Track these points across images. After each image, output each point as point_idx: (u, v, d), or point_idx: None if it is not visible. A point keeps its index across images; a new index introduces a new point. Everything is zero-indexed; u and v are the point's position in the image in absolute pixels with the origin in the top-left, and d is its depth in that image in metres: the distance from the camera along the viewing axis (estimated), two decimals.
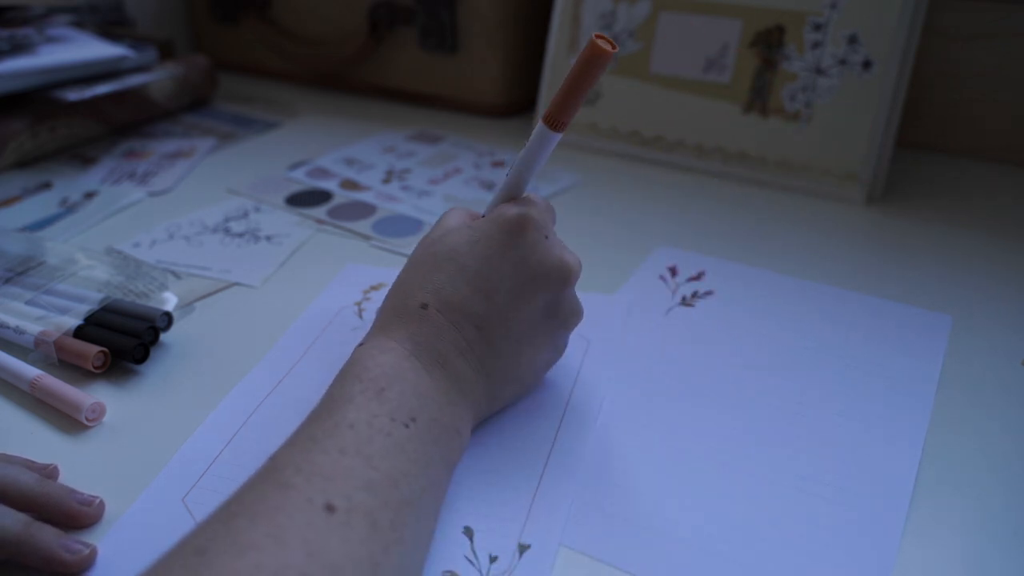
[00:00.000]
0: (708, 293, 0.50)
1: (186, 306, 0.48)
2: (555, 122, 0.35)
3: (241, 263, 0.54)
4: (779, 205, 0.62)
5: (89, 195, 0.63)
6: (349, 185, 0.65)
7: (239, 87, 0.90)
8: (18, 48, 0.68)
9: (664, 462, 0.37)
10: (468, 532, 0.33)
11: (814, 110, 0.63)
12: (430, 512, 0.31)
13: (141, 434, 0.39)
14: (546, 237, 0.37)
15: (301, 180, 0.66)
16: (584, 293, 0.42)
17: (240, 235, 0.58)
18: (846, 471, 0.36)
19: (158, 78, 0.77)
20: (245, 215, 0.61)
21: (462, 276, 0.35)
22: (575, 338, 0.44)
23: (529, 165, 0.37)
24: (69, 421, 0.40)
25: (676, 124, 0.68)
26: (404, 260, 0.54)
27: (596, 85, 0.69)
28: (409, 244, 0.56)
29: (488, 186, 0.65)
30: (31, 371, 0.41)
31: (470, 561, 0.32)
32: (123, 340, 0.43)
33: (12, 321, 0.45)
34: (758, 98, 0.65)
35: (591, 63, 0.33)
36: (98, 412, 0.40)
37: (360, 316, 0.48)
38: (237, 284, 0.52)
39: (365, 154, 0.71)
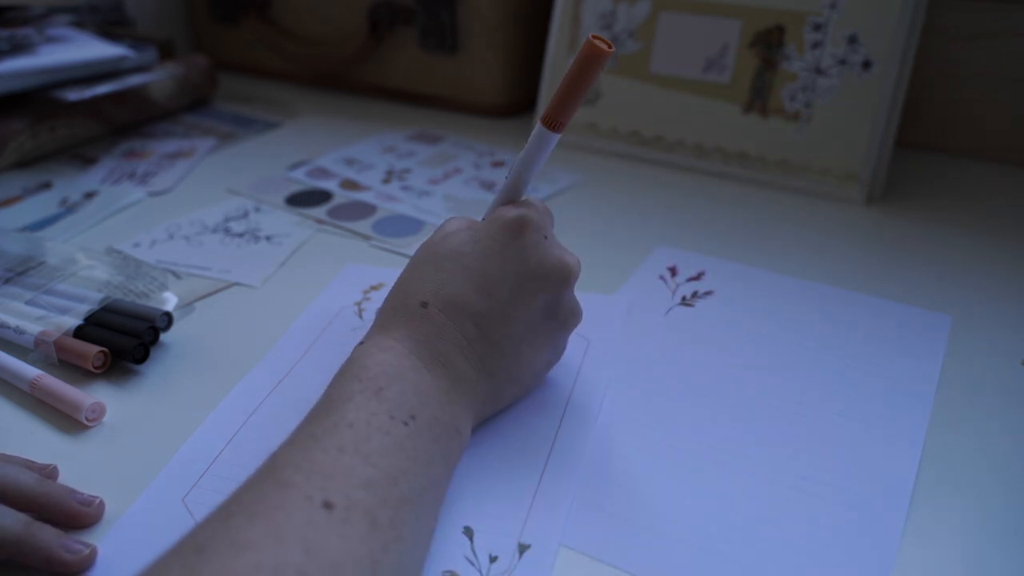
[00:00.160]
0: (708, 293, 0.50)
1: (186, 306, 0.48)
2: (553, 123, 0.35)
3: (241, 263, 0.54)
4: (779, 205, 0.62)
5: (89, 195, 0.63)
6: (349, 185, 0.65)
7: (239, 87, 0.90)
8: (18, 48, 0.68)
9: (664, 462, 0.37)
10: (468, 532, 0.33)
11: (814, 110, 0.63)
12: (430, 511, 0.31)
13: (141, 434, 0.39)
14: (545, 238, 0.37)
15: (301, 180, 0.66)
16: (584, 293, 0.42)
17: (240, 235, 0.58)
18: (846, 471, 0.36)
19: (158, 78, 0.77)
20: (245, 215, 0.61)
21: (463, 276, 0.36)
22: (575, 338, 0.44)
23: (528, 166, 0.37)
24: (69, 421, 0.40)
25: (676, 124, 0.68)
26: (404, 260, 0.54)
27: (596, 85, 0.69)
28: (409, 244, 0.56)
29: (488, 186, 0.65)
30: (31, 371, 0.41)
31: (470, 561, 0.32)
32: (123, 340, 0.43)
33: (12, 321, 0.45)
34: (758, 98, 0.65)
35: (588, 63, 0.33)
36: (98, 412, 0.40)
37: (360, 316, 0.48)
38: (237, 284, 0.52)
39: (365, 154, 0.71)
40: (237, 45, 0.92)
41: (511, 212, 0.36)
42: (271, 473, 0.28)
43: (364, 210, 0.61)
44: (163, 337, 0.45)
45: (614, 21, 0.70)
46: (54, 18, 0.75)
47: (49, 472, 0.36)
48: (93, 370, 0.42)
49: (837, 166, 0.62)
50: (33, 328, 0.44)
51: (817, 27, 0.62)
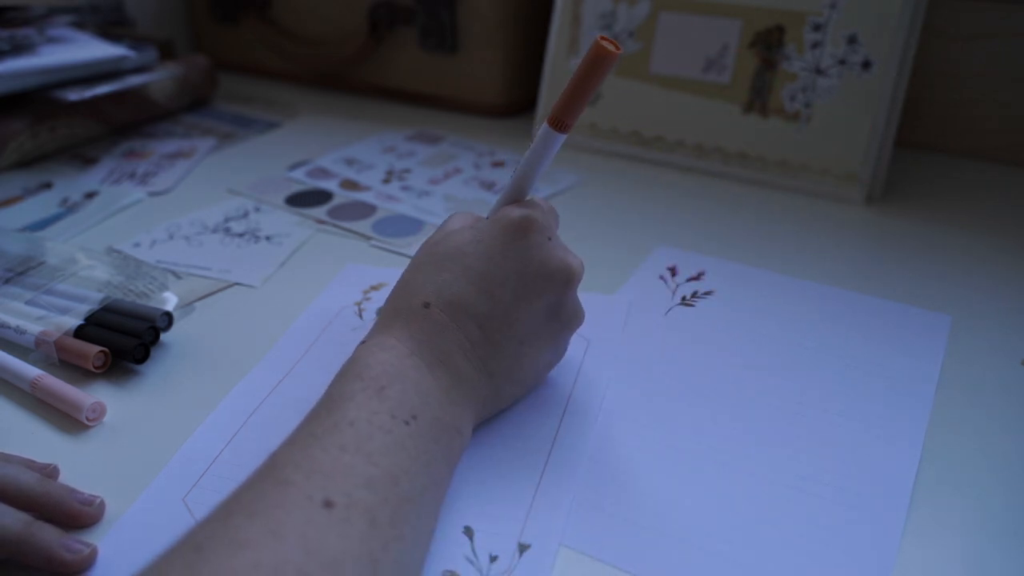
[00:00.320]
0: (708, 293, 0.50)
1: (186, 306, 0.48)
2: (559, 123, 0.35)
3: (241, 263, 0.54)
4: (779, 205, 0.62)
5: (89, 195, 0.63)
6: (349, 185, 0.65)
7: (239, 87, 0.90)
8: (18, 48, 0.68)
9: (664, 462, 0.37)
10: (468, 532, 0.33)
11: (814, 110, 0.63)
12: (431, 510, 0.31)
13: (141, 434, 0.39)
14: (549, 239, 0.37)
15: (301, 180, 0.66)
16: (584, 293, 0.42)
17: (240, 235, 0.58)
18: (846, 471, 0.36)
19: (158, 78, 0.77)
20: (245, 215, 0.61)
21: (466, 276, 0.36)
22: (575, 338, 0.44)
23: (534, 167, 0.37)
24: (70, 421, 0.40)
25: (676, 124, 0.68)
26: (404, 260, 0.54)
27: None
28: (409, 244, 0.56)
29: (488, 186, 0.65)
30: (32, 371, 0.41)
31: (470, 561, 0.32)
32: (123, 340, 0.43)
33: (13, 321, 0.45)
34: (758, 98, 0.65)
35: (596, 65, 0.34)
36: (98, 412, 0.40)
37: (360, 316, 0.48)
38: (237, 284, 0.52)
39: (365, 154, 0.71)
40: (237, 45, 0.92)
41: (515, 212, 0.36)
42: (271, 472, 0.28)
43: (364, 210, 0.61)
44: (163, 337, 0.45)
45: (614, 21, 0.70)
46: (54, 18, 0.75)
47: (50, 472, 0.36)
48: (93, 370, 0.42)
49: (837, 166, 0.62)
50: (34, 328, 0.44)
51: (817, 27, 0.62)
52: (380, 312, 0.37)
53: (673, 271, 0.52)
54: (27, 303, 0.47)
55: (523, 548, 0.32)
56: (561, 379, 0.42)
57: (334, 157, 0.71)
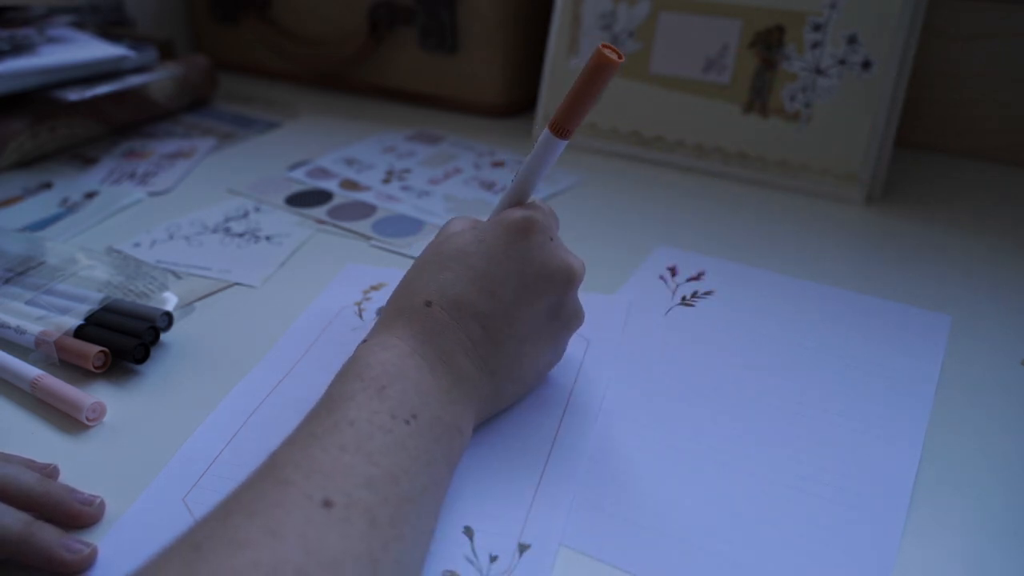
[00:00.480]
0: (708, 293, 0.50)
1: (186, 306, 0.48)
2: (561, 130, 0.35)
3: (241, 263, 0.54)
4: (779, 205, 0.62)
5: (89, 195, 0.63)
6: (349, 185, 0.65)
7: (239, 87, 0.90)
8: (18, 48, 0.68)
9: (664, 462, 0.37)
10: (468, 532, 0.33)
11: (814, 110, 0.63)
12: (431, 510, 0.31)
13: (141, 434, 0.39)
14: (551, 239, 0.37)
15: (301, 180, 0.66)
16: (584, 293, 0.42)
17: (240, 235, 0.58)
18: (846, 471, 0.36)
19: (158, 78, 0.77)
20: (245, 215, 0.61)
21: (467, 275, 0.36)
22: (575, 338, 0.44)
23: (535, 171, 0.37)
24: (70, 421, 0.40)
25: (676, 124, 0.68)
26: (404, 260, 0.54)
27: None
28: (409, 244, 0.56)
29: (488, 186, 0.65)
30: (32, 371, 0.41)
31: (470, 561, 0.32)
32: (123, 340, 0.43)
33: (13, 321, 0.45)
34: (758, 98, 0.65)
35: (597, 73, 0.34)
36: (98, 412, 0.40)
37: (360, 316, 0.48)
38: (237, 284, 0.52)
39: (365, 154, 0.71)
40: (237, 45, 0.92)
41: (517, 213, 0.37)
42: (271, 472, 0.28)
43: (364, 210, 0.61)
44: (163, 337, 0.45)
45: (614, 21, 0.70)
46: (54, 18, 0.75)
47: (50, 472, 0.36)
48: (93, 370, 0.42)
49: (837, 166, 0.62)
50: (34, 328, 0.44)
51: (817, 27, 0.62)
52: (381, 311, 0.37)
53: (673, 271, 0.52)
54: (27, 303, 0.47)
55: (523, 548, 0.32)
56: (561, 379, 0.42)
57: (334, 157, 0.71)
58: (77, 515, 0.33)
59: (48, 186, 0.65)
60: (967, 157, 0.70)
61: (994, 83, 0.68)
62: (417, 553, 0.29)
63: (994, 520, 0.34)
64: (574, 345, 0.43)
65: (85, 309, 0.45)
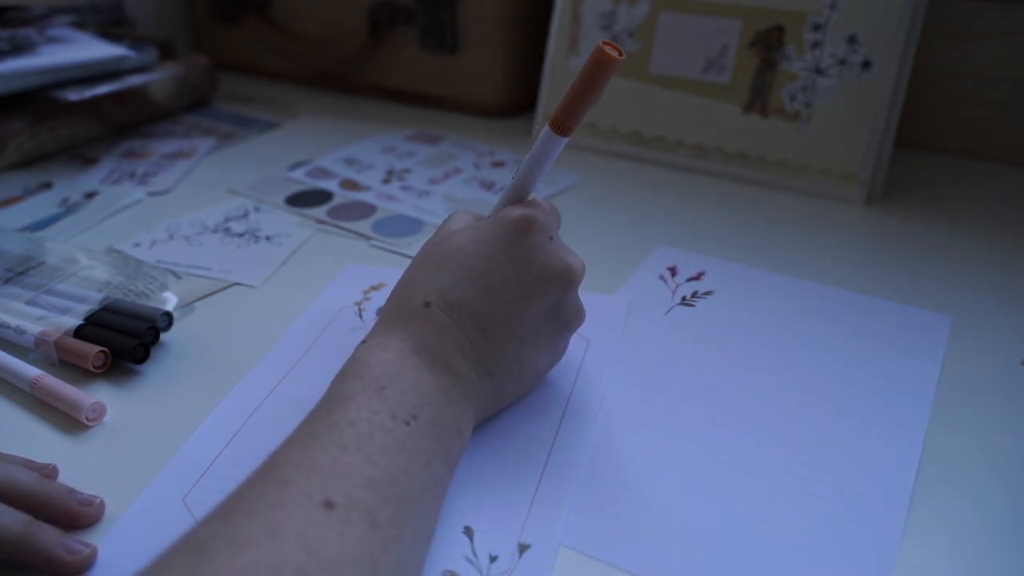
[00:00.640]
0: (708, 293, 0.50)
1: (186, 306, 0.48)
2: (561, 127, 0.35)
3: (241, 263, 0.54)
4: (779, 205, 0.62)
5: (89, 195, 0.63)
6: (349, 185, 0.65)
7: (239, 87, 0.90)
8: (18, 48, 0.68)
9: (664, 462, 0.37)
10: (468, 532, 0.33)
11: (814, 110, 0.63)
12: (430, 510, 0.31)
13: (141, 434, 0.39)
14: (550, 239, 0.37)
15: (301, 180, 0.66)
16: (584, 293, 0.42)
17: (240, 235, 0.58)
18: (846, 471, 0.36)
19: (158, 78, 0.77)
20: (245, 215, 0.61)
21: (466, 275, 0.36)
22: (575, 338, 0.44)
23: (535, 169, 0.37)
24: (69, 421, 0.40)
25: (676, 124, 0.68)
26: (404, 260, 0.54)
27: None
28: (409, 244, 0.56)
29: (488, 186, 0.65)
30: (32, 371, 0.41)
31: (470, 561, 0.32)
32: (123, 340, 0.43)
33: (12, 321, 0.45)
34: (758, 98, 0.65)
35: (598, 70, 0.34)
36: (98, 412, 0.40)
37: (360, 316, 0.48)
38: (237, 284, 0.52)
39: (365, 154, 0.71)
40: (237, 45, 0.92)
41: (516, 212, 0.36)
42: (271, 472, 0.28)
43: (364, 210, 0.61)
44: (163, 337, 0.45)
45: (614, 21, 0.70)
46: (54, 18, 0.75)
47: (49, 472, 0.36)
48: (93, 370, 0.42)
49: (837, 166, 0.62)
50: (33, 328, 0.44)
51: (817, 27, 0.62)
52: (381, 312, 0.37)
53: (673, 271, 0.52)
54: (27, 303, 0.47)
55: (523, 548, 0.32)
56: (561, 379, 0.42)
57: (334, 157, 0.71)
58: (77, 515, 0.33)
59: (48, 186, 0.65)
60: (967, 157, 0.70)
61: (994, 83, 0.68)
62: (417, 553, 0.29)
63: (994, 520, 0.34)
64: (574, 345, 0.43)
65: (85, 309, 0.45)
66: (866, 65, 0.61)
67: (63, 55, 0.69)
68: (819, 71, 0.63)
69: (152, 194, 0.64)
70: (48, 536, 0.32)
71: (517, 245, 0.36)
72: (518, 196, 0.38)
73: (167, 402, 0.41)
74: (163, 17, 0.95)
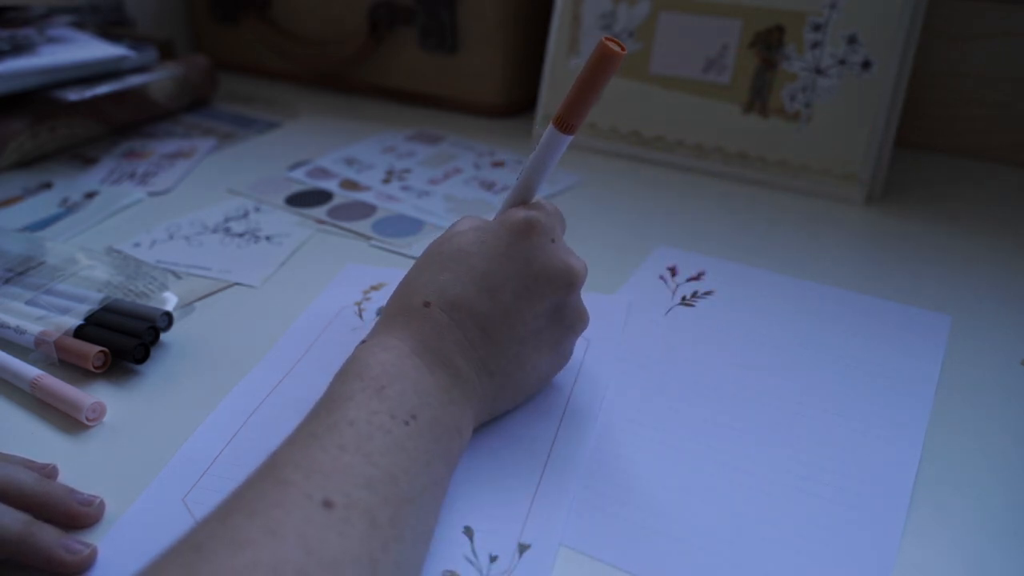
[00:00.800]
0: (708, 293, 0.50)
1: (186, 306, 0.48)
2: (565, 124, 0.35)
3: (241, 263, 0.54)
4: (779, 205, 0.62)
5: (89, 195, 0.63)
6: (349, 185, 0.65)
7: (239, 87, 0.90)
8: (18, 48, 0.68)
9: (664, 462, 0.37)
10: (468, 532, 0.33)
11: (814, 110, 0.63)
12: (430, 510, 0.31)
13: (141, 434, 0.39)
14: (552, 241, 0.37)
15: (301, 180, 0.66)
16: (584, 293, 0.41)
17: (240, 235, 0.58)
18: (846, 471, 0.36)
19: (158, 78, 0.77)
20: (245, 215, 0.61)
21: (467, 275, 0.36)
22: None
23: (539, 168, 0.37)
24: (69, 421, 0.40)
25: (676, 124, 0.68)
26: (404, 260, 0.54)
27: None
28: (409, 244, 0.56)
29: (488, 186, 0.65)
30: (32, 371, 0.41)
31: (470, 561, 0.32)
32: (123, 340, 0.43)
33: (12, 321, 0.45)
34: (758, 98, 0.65)
35: (601, 65, 0.34)
36: (98, 412, 0.40)
37: (360, 316, 0.48)
38: (237, 284, 0.52)
39: (365, 154, 0.71)
40: (237, 45, 0.92)
41: (519, 214, 0.37)
42: (271, 471, 0.28)
43: (364, 210, 0.61)
44: (163, 337, 0.45)
45: (614, 21, 0.70)
46: (54, 18, 0.75)
47: (49, 472, 0.36)
48: (93, 370, 0.42)
49: (837, 166, 0.62)
50: (33, 328, 0.44)
51: (817, 27, 0.62)
52: (381, 312, 0.37)
53: (673, 271, 0.52)
54: (27, 303, 0.47)
55: (523, 548, 0.32)
56: (561, 379, 0.42)
57: (334, 157, 0.71)
58: (77, 515, 0.33)
59: (48, 186, 0.65)
60: (967, 157, 0.70)
61: (994, 83, 0.68)
62: (417, 553, 0.29)
63: (994, 520, 0.34)
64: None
65: (85, 309, 0.45)
66: (866, 65, 0.61)
67: (63, 55, 0.69)
68: (819, 71, 0.63)
69: (152, 194, 0.64)
70: (48, 536, 0.32)
71: (518, 246, 0.36)
72: (523, 197, 0.38)
73: (167, 402, 0.41)
74: (163, 17, 0.95)
